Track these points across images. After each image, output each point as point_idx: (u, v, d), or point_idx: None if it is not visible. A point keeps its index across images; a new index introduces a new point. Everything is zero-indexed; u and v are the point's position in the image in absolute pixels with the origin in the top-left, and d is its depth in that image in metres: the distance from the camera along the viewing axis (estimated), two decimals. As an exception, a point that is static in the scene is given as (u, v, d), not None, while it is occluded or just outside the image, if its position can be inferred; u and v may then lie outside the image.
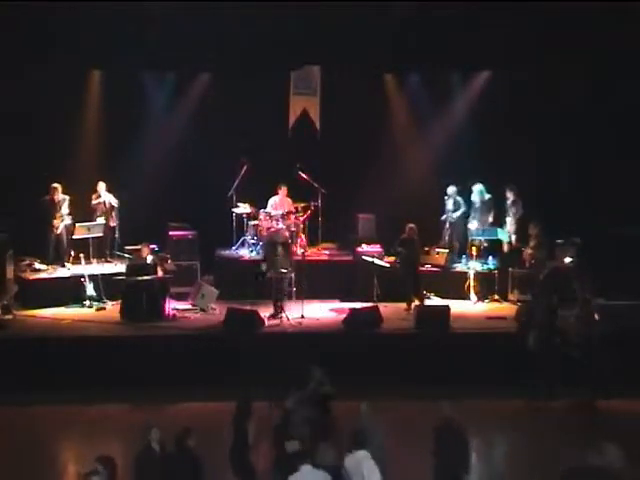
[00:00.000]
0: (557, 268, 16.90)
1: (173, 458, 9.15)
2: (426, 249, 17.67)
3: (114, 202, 17.73)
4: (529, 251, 16.85)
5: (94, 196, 17.77)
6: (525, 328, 14.60)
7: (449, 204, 17.98)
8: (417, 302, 16.49)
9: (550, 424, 12.99)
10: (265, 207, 17.87)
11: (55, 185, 17.30)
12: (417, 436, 11.22)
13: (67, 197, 17.41)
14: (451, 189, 17.96)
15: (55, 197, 17.31)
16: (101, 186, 17.74)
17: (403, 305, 16.58)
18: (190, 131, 18.57)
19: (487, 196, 17.82)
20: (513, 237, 17.66)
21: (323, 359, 13.84)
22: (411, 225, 16.69)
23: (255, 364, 14.30)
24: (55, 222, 17.31)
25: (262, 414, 10.50)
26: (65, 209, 17.38)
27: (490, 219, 17.75)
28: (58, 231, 17.40)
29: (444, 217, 17.95)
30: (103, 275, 16.89)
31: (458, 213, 17.98)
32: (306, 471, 8.35)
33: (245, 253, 17.95)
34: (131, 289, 15.94)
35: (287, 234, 17.51)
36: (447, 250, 17.79)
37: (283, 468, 8.98)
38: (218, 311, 16.19)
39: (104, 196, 17.74)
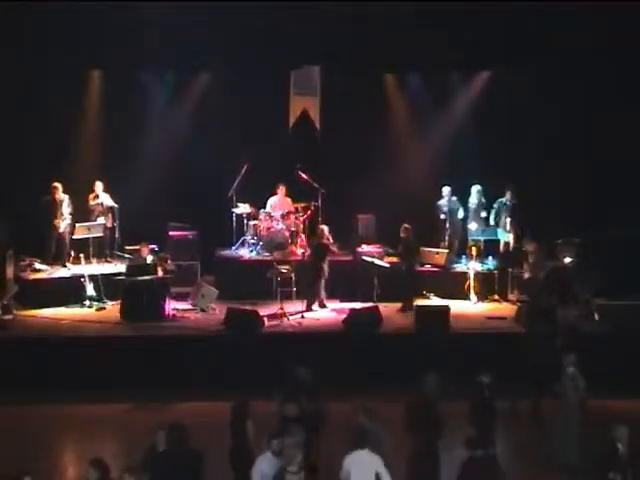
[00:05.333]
0: (557, 268, 16.90)
1: (170, 455, 9.17)
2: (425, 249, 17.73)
3: (112, 202, 17.72)
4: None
5: (92, 196, 17.76)
6: (525, 328, 14.64)
7: (444, 204, 17.98)
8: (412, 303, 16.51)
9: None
10: (265, 207, 17.90)
11: (56, 184, 17.30)
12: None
13: (67, 196, 17.41)
14: (446, 189, 17.98)
15: (56, 196, 17.31)
16: (98, 186, 17.74)
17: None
18: (190, 131, 18.56)
19: (483, 199, 17.87)
20: (512, 237, 17.67)
21: (323, 359, 13.92)
22: (406, 225, 16.72)
23: (255, 364, 14.32)
24: (57, 221, 17.31)
25: (260, 414, 10.50)
26: (66, 208, 17.39)
27: (483, 221, 17.77)
28: (60, 230, 17.40)
29: (443, 216, 17.93)
30: (103, 275, 16.89)
31: (460, 214, 18.00)
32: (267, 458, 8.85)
33: (245, 253, 17.94)
34: (131, 289, 15.94)
35: (287, 234, 17.60)
36: (447, 250, 17.79)
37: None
38: (218, 311, 16.19)
39: (102, 196, 17.74)
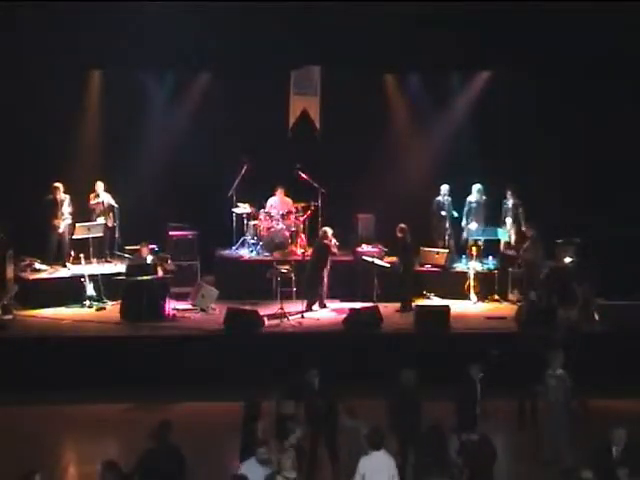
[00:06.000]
0: (557, 268, 16.91)
1: (155, 451, 9.22)
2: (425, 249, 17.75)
3: (112, 202, 17.72)
4: (520, 252, 16.82)
5: (92, 196, 17.75)
6: (524, 328, 14.65)
7: (442, 202, 17.97)
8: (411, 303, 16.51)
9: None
10: (265, 207, 17.91)
11: (57, 184, 17.30)
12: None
13: (68, 196, 17.42)
14: (444, 187, 17.98)
15: (57, 196, 17.30)
16: (99, 186, 17.73)
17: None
18: (190, 131, 18.55)
19: (484, 197, 17.87)
20: (512, 237, 17.66)
21: (323, 359, 13.91)
22: (401, 225, 16.72)
23: (255, 364, 14.32)
24: (57, 222, 17.31)
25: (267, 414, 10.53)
26: (67, 208, 17.39)
27: (483, 220, 17.78)
28: (60, 230, 17.39)
29: (444, 213, 17.93)
30: (103, 275, 16.88)
31: (454, 213, 18.01)
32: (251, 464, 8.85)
33: (245, 253, 17.94)
34: (131, 289, 15.94)
35: (287, 234, 17.60)
36: (447, 250, 17.79)
37: None
38: (218, 311, 16.18)
39: (102, 196, 17.74)
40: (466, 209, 18.00)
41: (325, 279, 16.52)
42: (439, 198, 18.02)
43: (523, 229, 17.22)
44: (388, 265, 16.96)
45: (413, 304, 16.39)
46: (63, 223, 17.38)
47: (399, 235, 16.74)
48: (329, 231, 16.54)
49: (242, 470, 8.88)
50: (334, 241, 16.62)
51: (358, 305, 16.21)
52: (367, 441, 9.25)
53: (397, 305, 16.58)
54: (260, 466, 8.88)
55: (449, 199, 18.01)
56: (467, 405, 11.12)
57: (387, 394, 11.05)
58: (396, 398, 10.89)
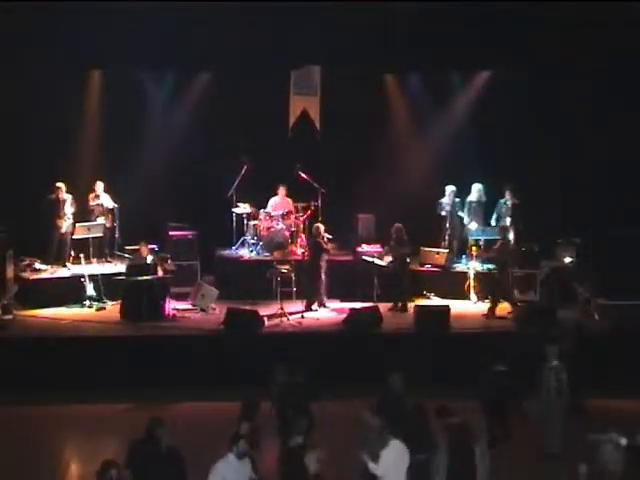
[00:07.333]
0: (557, 268, 16.90)
1: (148, 449, 9.22)
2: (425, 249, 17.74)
3: (112, 203, 17.71)
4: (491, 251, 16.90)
5: (92, 197, 17.75)
6: (525, 328, 14.66)
7: (446, 203, 17.96)
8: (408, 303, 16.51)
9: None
10: (265, 207, 17.91)
11: (59, 184, 17.29)
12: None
13: (70, 196, 17.41)
14: (449, 188, 17.96)
15: (59, 196, 17.30)
16: (99, 186, 17.73)
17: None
18: (190, 131, 18.57)
19: (484, 198, 17.85)
20: (512, 237, 17.64)
21: (323, 359, 13.93)
22: (398, 225, 16.70)
23: (255, 364, 14.32)
24: (59, 222, 17.30)
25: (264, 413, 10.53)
26: (68, 208, 17.39)
27: (482, 220, 17.77)
28: (62, 230, 17.39)
29: (444, 213, 17.90)
30: (103, 275, 16.88)
31: (460, 213, 17.97)
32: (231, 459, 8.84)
33: (245, 253, 17.95)
34: (131, 289, 15.95)
35: (287, 234, 17.59)
36: (447, 250, 17.78)
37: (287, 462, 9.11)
38: (218, 311, 16.19)
39: (102, 197, 17.73)
40: (466, 209, 18.00)
41: (323, 277, 16.46)
42: (442, 200, 17.95)
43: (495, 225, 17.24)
44: (388, 265, 16.94)
45: (410, 304, 16.36)
46: (65, 223, 17.37)
47: (393, 236, 16.69)
48: (321, 227, 16.51)
49: (219, 469, 8.80)
50: (326, 236, 16.52)
51: (358, 305, 16.21)
52: (380, 434, 9.26)
53: (397, 305, 16.58)
54: (238, 460, 8.83)
55: (452, 200, 17.94)
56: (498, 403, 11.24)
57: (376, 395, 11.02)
58: (382, 399, 10.84)
